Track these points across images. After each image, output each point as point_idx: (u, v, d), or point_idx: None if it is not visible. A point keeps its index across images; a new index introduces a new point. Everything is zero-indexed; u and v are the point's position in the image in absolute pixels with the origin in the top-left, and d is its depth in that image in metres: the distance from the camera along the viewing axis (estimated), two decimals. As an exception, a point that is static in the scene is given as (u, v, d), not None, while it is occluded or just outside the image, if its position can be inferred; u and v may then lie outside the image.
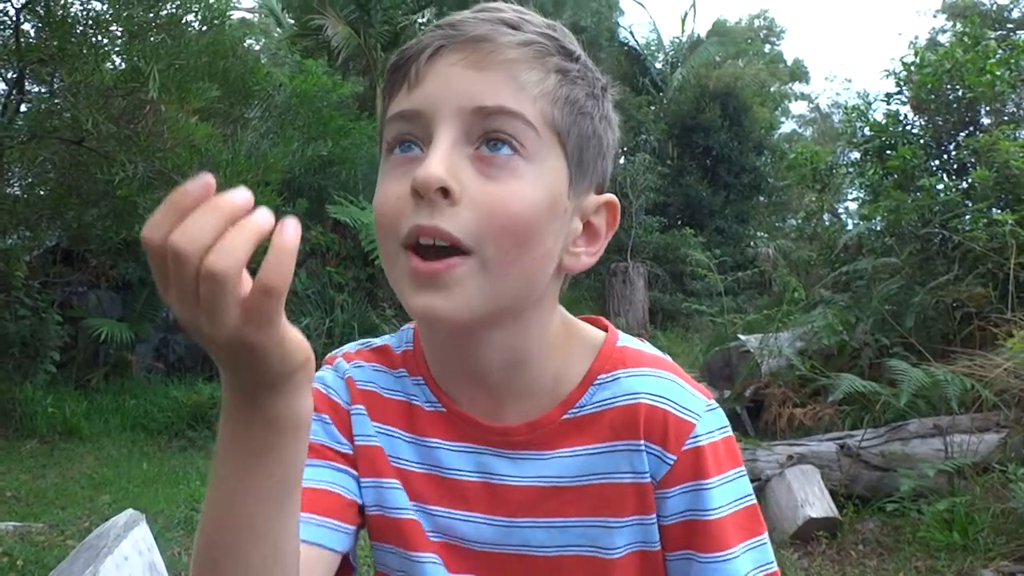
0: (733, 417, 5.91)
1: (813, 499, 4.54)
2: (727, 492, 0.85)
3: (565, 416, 0.87)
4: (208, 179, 0.57)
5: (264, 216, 0.57)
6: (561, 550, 0.86)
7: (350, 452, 0.92)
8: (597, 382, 0.87)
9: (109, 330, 8.67)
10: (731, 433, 0.88)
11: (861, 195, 9.26)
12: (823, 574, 4.10)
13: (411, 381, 0.93)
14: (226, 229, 0.56)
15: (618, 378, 0.87)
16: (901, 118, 8.02)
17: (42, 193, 7.30)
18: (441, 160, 0.75)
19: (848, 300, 6.81)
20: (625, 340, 0.91)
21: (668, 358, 0.91)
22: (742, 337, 6.99)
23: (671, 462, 0.84)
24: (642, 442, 0.84)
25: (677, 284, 13.88)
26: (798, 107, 31.53)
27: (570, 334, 0.90)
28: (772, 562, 0.86)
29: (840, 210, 11.56)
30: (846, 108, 9.47)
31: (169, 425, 7.75)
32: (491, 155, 0.77)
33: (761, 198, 17.22)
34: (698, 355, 9.92)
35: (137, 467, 6.45)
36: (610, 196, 0.87)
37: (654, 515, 0.85)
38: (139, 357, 9.63)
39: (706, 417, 0.86)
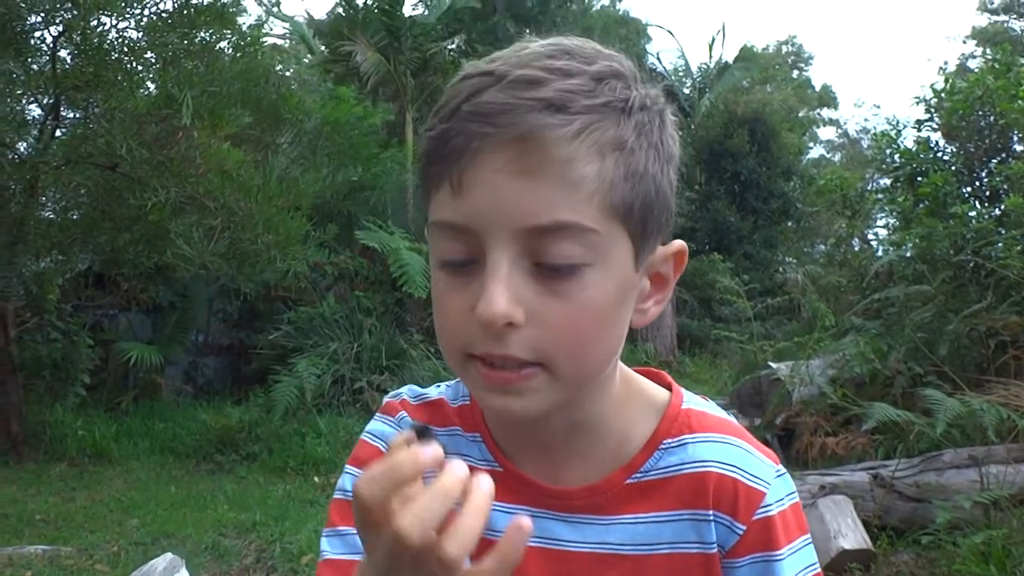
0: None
1: (846, 530, 4.47)
2: (796, 562, 0.82)
3: (628, 480, 0.84)
4: (436, 451, 0.63)
5: (486, 491, 0.63)
6: None
7: None
8: (663, 447, 0.84)
9: (139, 353, 8.76)
10: (798, 499, 0.86)
11: (891, 221, 9.18)
12: (857, 607, 4.02)
13: (466, 439, 0.89)
14: (452, 510, 0.60)
15: (685, 444, 0.84)
16: (932, 145, 7.96)
17: (75, 217, 7.40)
18: (502, 292, 0.69)
19: (880, 328, 6.74)
20: (690, 401, 0.88)
21: (734, 420, 0.88)
22: (773, 365, 6.92)
23: (740, 532, 0.81)
24: (711, 512, 0.82)
25: (705, 310, 13.82)
26: (826, 133, 31.44)
27: (632, 392, 0.87)
28: None
29: (870, 236, 11.47)
30: (875, 135, 9.40)
31: (197, 448, 7.77)
32: (553, 272, 0.70)
33: (789, 224, 17.14)
34: (727, 381, 9.85)
35: (165, 490, 6.46)
36: (679, 244, 0.81)
37: None
38: (168, 380, 9.71)
39: (775, 484, 0.84)
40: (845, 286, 9.02)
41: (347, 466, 0.93)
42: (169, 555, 1.10)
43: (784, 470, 0.85)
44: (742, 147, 15.71)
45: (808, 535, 0.85)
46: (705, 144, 16.29)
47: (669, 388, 0.90)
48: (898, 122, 8.48)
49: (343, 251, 9.59)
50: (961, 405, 4.73)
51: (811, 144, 26.86)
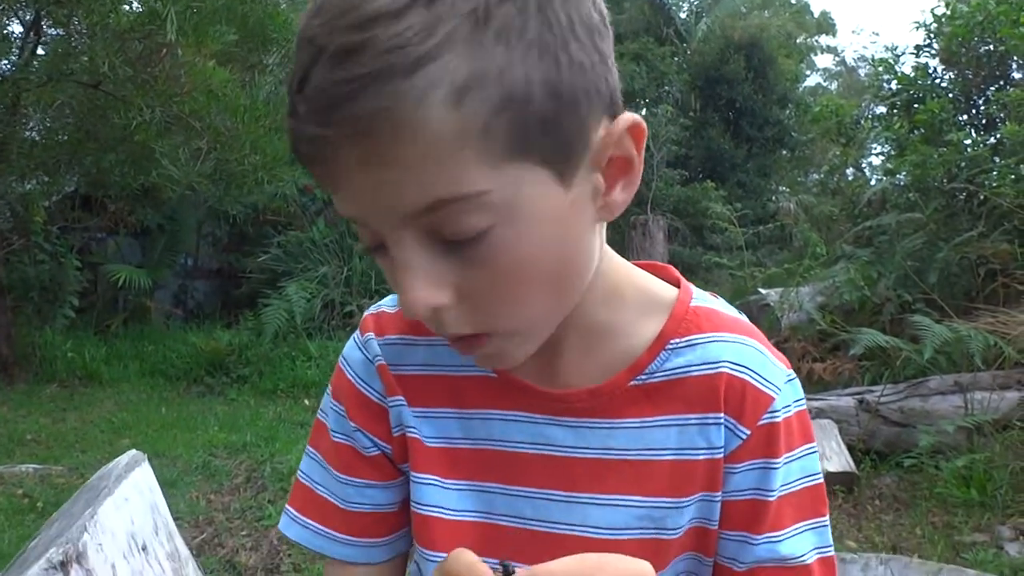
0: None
1: (831, 453, 4.52)
2: (793, 470, 0.79)
3: (633, 382, 0.78)
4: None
5: None
6: (620, 532, 0.79)
7: (378, 453, 0.87)
8: (670, 346, 0.78)
9: (128, 276, 8.71)
10: (805, 406, 0.82)
11: (886, 150, 9.11)
12: (839, 528, 4.08)
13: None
14: None
15: (694, 344, 0.78)
16: (930, 71, 7.86)
17: (60, 138, 7.28)
18: (418, 283, 0.63)
19: (870, 255, 6.73)
20: (699, 299, 0.81)
21: (745, 319, 0.83)
22: (762, 291, 6.93)
23: (744, 437, 0.77)
24: (722, 415, 0.77)
25: (697, 238, 13.78)
26: (824, 60, 31.07)
27: (634, 290, 0.80)
28: (830, 546, 0.81)
29: (864, 166, 11.39)
30: (873, 60, 9.26)
31: (188, 371, 7.79)
32: (461, 244, 0.62)
33: (784, 152, 17.00)
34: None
35: (156, 412, 6.49)
36: (630, 119, 0.66)
37: (720, 492, 0.79)
38: (158, 303, 9.69)
39: (785, 390, 0.79)
40: (837, 215, 8.99)
41: (328, 388, 0.91)
42: (132, 451, 1.10)
43: (794, 375, 0.81)
44: (738, 73, 15.49)
45: (813, 444, 0.81)
46: (701, 70, 16.05)
47: (677, 284, 0.83)
48: (896, 47, 8.35)
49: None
50: (949, 331, 4.75)
51: (808, 72, 26.51)
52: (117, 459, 1.18)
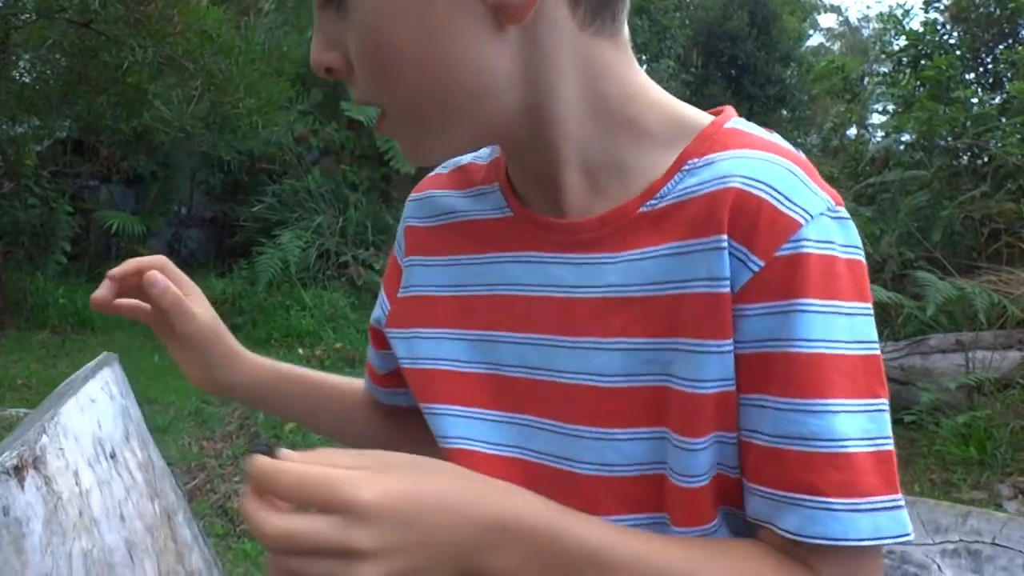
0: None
1: (829, 410, 4.49)
2: (839, 324, 0.62)
3: (642, 209, 0.69)
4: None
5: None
6: (625, 380, 0.69)
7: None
8: (686, 167, 0.68)
9: (121, 223, 8.62)
10: (862, 258, 0.66)
11: (891, 108, 8.99)
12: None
13: (485, 193, 0.82)
14: None
15: (713, 161, 0.67)
16: (938, 27, 7.73)
17: (51, 80, 7.14)
18: (316, 39, 0.69)
19: (873, 212, 6.66)
20: (739, 123, 0.71)
21: (792, 149, 0.68)
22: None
23: (756, 268, 0.63)
24: (725, 237, 0.63)
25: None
26: (827, 20, 30.71)
27: (662, 117, 0.72)
28: (889, 438, 0.63)
29: (868, 124, 11.27)
30: (881, 16, 9.13)
31: (181, 319, 7.70)
32: (340, 7, 0.67)
33: (784, 112, 16.85)
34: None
35: (148, 359, 6.43)
36: None
37: (731, 340, 0.64)
38: (151, 251, 9.51)
39: (824, 223, 0.63)
40: (838, 175, 8.89)
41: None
42: (104, 353, 1.01)
43: (848, 217, 0.66)
44: (741, 30, 15.28)
45: (869, 306, 0.65)
46: (703, 25, 15.83)
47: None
48: (905, 2, 8.22)
49: (328, 123, 9.34)
50: (952, 288, 4.69)
51: (811, 31, 26.24)
52: (87, 364, 1.09)
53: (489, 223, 0.79)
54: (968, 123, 6.37)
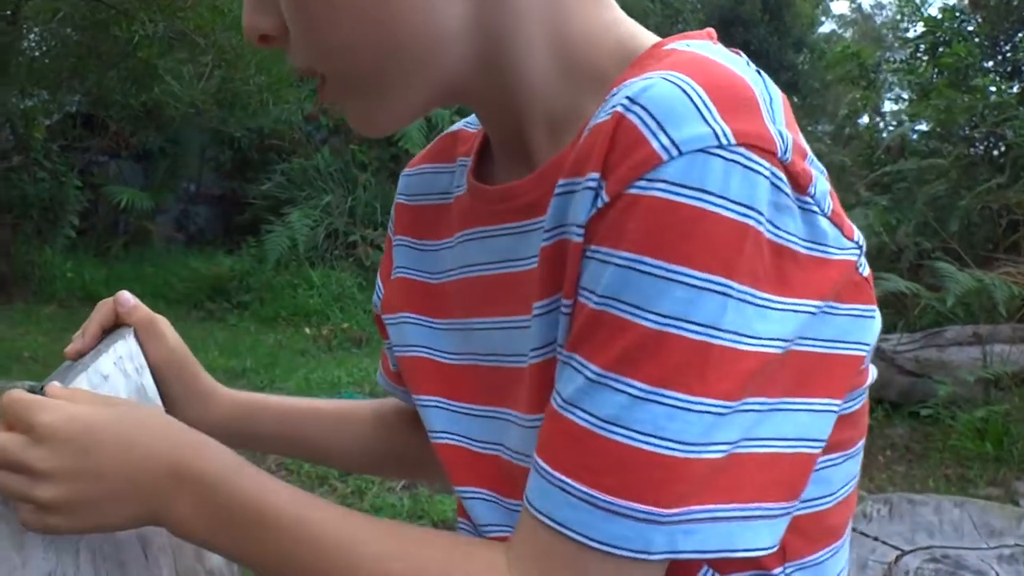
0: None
1: (843, 401, 4.44)
2: (661, 295, 0.49)
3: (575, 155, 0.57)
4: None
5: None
6: (544, 353, 0.60)
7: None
8: (607, 99, 0.55)
9: (130, 198, 8.59)
10: (759, 225, 0.50)
11: (906, 96, 8.90)
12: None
13: (463, 165, 0.75)
14: None
15: (622, 88, 0.54)
16: (957, 14, 7.63)
17: (61, 53, 7.07)
18: (245, 9, 0.63)
19: (889, 202, 6.58)
20: (690, 44, 0.59)
21: (736, 71, 0.54)
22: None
23: (599, 205, 0.52)
24: (596, 175, 0.53)
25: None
26: (839, 6, 30.49)
27: (613, 54, 0.62)
28: (678, 443, 0.50)
29: (884, 111, 11.17)
30: (899, 1, 9.01)
31: (188, 296, 7.70)
32: None
33: (796, 99, 16.72)
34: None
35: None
36: None
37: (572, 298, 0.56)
38: (159, 227, 9.57)
39: (700, 163, 0.49)
40: (850, 165, 8.81)
41: None
42: (119, 327, 0.92)
43: (768, 167, 0.51)
44: (754, 15, 15.14)
45: (738, 285, 0.50)
46: (715, 9, 15.70)
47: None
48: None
49: (339, 102, 9.26)
50: (972, 280, 4.63)
51: (823, 18, 26.03)
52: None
53: (459, 201, 0.74)
54: (986, 112, 6.29)
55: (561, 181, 0.56)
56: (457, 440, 0.70)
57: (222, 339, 6.39)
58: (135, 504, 0.58)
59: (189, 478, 0.58)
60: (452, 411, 0.71)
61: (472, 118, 0.78)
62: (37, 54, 7.33)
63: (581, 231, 0.53)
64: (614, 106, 0.52)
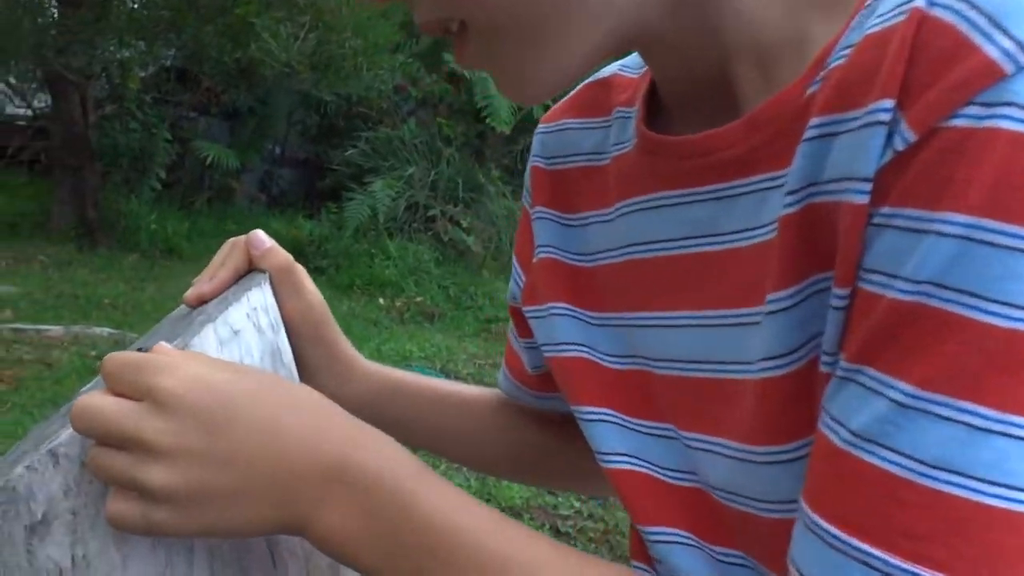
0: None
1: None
2: (979, 263, 0.34)
3: (810, 90, 0.45)
4: None
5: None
6: (790, 362, 0.45)
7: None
8: (866, 8, 0.43)
9: (216, 155, 8.66)
10: None
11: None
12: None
13: (625, 117, 0.61)
14: None
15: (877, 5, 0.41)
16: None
17: (160, 6, 7.13)
18: None
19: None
20: None
21: None
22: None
23: (900, 147, 0.37)
24: (888, 105, 0.37)
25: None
26: None
27: None
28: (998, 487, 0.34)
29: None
30: None
31: (267, 256, 7.72)
32: None
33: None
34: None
35: (233, 294, 6.44)
36: None
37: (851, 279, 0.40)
38: (243, 186, 9.66)
39: None
40: None
41: None
42: (252, 271, 0.78)
43: None
44: None
45: None
46: None
47: None
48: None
49: (428, 74, 9.21)
50: None
51: None
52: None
53: (620, 162, 0.59)
54: None
55: (814, 121, 0.42)
56: (642, 467, 0.56)
57: (297, 301, 6.37)
58: (270, 505, 0.45)
59: (349, 481, 0.46)
60: (630, 428, 0.57)
61: (629, 60, 0.65)
62: (136, 5, 7.40)
63: (866, 187, 0.38)
64: (902, 5, 0.38)
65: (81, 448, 0.45)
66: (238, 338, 0.58)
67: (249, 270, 0.70)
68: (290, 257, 0.70)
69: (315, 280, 0.73)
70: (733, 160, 0.49)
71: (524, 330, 0.71)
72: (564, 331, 0.62)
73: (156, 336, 0.58)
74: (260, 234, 0.70)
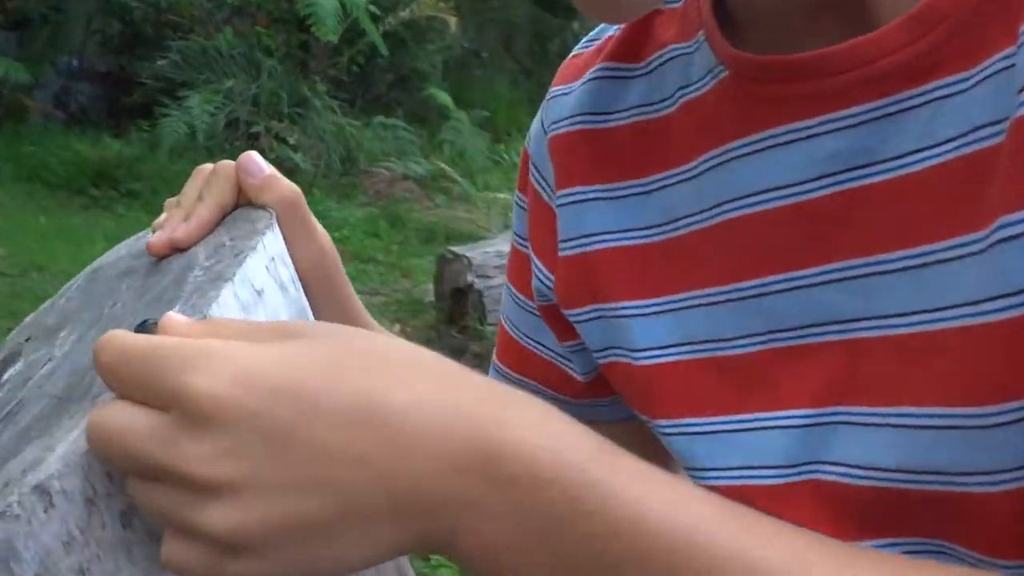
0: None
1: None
2: None
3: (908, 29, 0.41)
4: None
5: None
6: (1007, 306, 0.38)
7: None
8: None
9: (4, 69, 7.89)
10: None
11: None
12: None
13: (683, 53, 0.51)
14: None
15: None
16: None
17: None
18: None
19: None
20: None
21: None
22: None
23: None
24: None
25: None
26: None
27: None
28: None
29: None
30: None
31: (70, 180, 7.14)
32: None
33: None
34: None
35: (34, 221, 5.91)
36: None
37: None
38: (37, 103, 8.88)
39: None
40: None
41: None
42: (247, 207, 0.61)
43: None
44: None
45: None
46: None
47: None
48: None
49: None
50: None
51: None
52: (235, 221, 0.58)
53: (695, 107, 0.50)
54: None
55: (969, 71, 0.38)
56: (755, 477, 0.46)
57: (110, 229, 5.90)
58: (391, 525, 0.32)
59: (498, 474, 0.31)
60: (739, 430, 0.46)
61: None
62: None
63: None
64: None
65: (85, 479, 0.31)
66: (262, 300, 0.42)
67: (237, 206, 0.54)
68: (296, 188, 0.56)
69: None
70: (896, 69, 0.41)
71: (565, 333, 0.60)
72: (644, 332, 0.51)
73: (169, 301, 0.39)
74: (255, 157, 0.56)
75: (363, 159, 8.43)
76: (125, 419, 0.32)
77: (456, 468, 0.32)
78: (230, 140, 7.79)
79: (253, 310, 0.40)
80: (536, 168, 0.60)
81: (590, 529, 0.32)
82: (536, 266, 0.60)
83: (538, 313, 0.61)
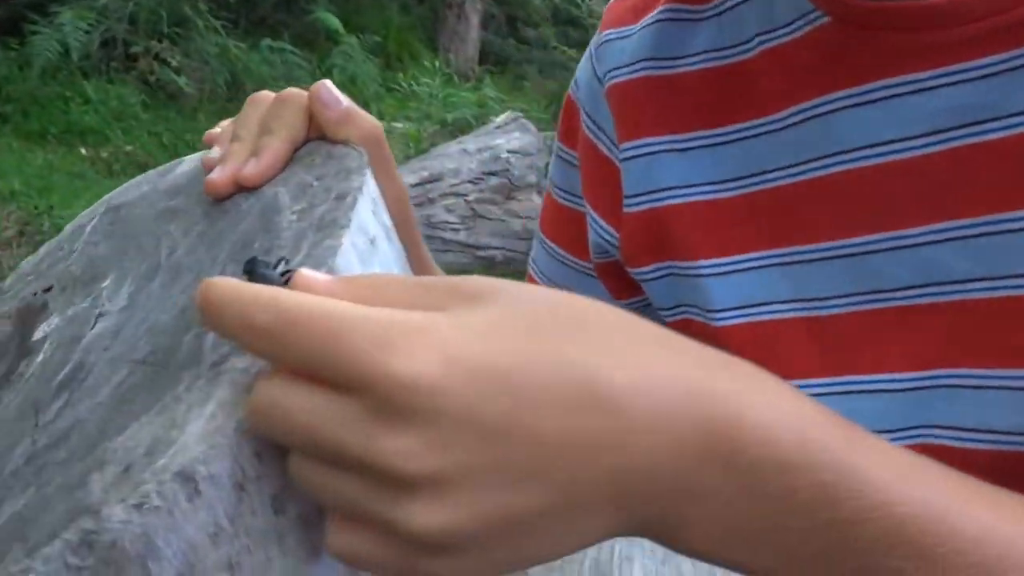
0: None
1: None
2: None
3: None
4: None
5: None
6: None
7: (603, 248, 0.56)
8: None
9: None
10: None
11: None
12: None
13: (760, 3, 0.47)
14: None
15: None
16: None
17: None
18: None
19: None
20: None
21: None
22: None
23: None
24: None
25: (511, 29, 13.24)
26: None
27: None
28: None
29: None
30: None
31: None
32: None
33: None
34: (532, 103, 9.58)
35: None
36: None
37: None
38: None
39: None
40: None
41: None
42: (337, 145, 0.53)
43: None
44: None
45: None
46: None
47: None
48: None
49: None
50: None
51: None
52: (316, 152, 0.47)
53: (781, 54, 0.47)
54: None
55: None
56: None
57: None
58: (610, 508, 0.29)
59: (730, 455, 0.29)
60: (839, 393, 0.44)
61: None
62: None
63: None
64: None
65: (235, 461, 0.27)
66: (376, 250, 0.36)
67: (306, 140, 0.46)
68: (378, 123, 0.47)
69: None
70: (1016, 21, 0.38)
71: (623, 291, 0.57)
72: (741, 289, 0.48)
73: (278, 250, 0.34)
74: (330, 86, 0.47)
75: (250, 83, 8.09)
76: (302, 400, 0.28)
77: (691, 454, 0.29)
78: (106, 60, 7.33)
79: (369, 262, 0.35)
80: (591, 119, 0.56)
81: (838, 515, 0.30)
82: (596, 222, 0.57)
83: (582, 268, 0.59)
